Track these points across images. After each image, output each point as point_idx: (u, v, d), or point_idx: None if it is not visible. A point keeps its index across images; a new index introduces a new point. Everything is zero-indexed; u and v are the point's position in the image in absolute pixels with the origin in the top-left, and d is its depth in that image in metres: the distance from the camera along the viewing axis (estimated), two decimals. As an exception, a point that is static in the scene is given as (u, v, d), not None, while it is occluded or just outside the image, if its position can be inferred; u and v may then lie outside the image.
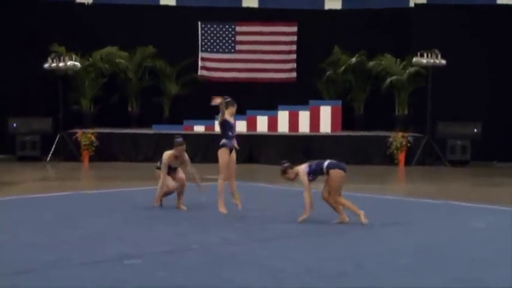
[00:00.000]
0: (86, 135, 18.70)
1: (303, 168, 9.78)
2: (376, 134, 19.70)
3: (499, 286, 6.56)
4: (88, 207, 11.03)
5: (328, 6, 22.04)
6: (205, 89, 21.37)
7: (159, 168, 10.96)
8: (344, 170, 10.00)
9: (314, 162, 9.91)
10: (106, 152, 18.88)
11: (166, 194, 11.10)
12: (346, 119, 20.63)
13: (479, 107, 19.90)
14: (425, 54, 19.14)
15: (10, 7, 20.65)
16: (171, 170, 10.96)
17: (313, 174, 9.79)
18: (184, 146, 11.01)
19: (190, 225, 9.57)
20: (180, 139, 11.01)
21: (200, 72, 21.81)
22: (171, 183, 10.95)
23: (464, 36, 20.04)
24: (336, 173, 9.85)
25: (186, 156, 11.07)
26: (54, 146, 19.20)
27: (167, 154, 10.92)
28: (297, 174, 9.78)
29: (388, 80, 20.38)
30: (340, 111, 20.37)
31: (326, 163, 9.83)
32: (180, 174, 11.10)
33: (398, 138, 18.84)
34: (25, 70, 20.38)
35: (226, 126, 10.57)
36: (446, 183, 15.53)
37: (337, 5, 22.03)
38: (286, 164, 9.87)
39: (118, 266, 7.12)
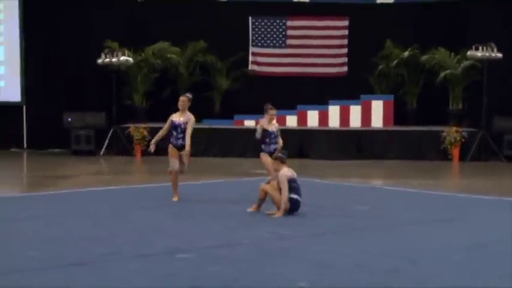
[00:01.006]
0: (138, 130, 18.94)
1: (286, 174, 9.75)
2: (430, 129, 19.48)
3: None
4: (140, 201, 11.17)
5: (380, -1, 21.89)
6: (255, 83, 21.45)
7: None
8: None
9: (295, 185, 9.80)
10: (158, 146, 19.03)
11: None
12: (398, 113, 20.46)
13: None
14: (480, 48, 18.83)
15: (64, 3, 21.07)
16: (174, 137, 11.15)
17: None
18: (185, 98, 11.25)
19: (241, 220, 9.61)
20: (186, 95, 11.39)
21: (251, 66, 21.85)
22: (174, 161, 11.11)
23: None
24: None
25: (190, 114, 11.29)
26: (107, 140, 19.53)
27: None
28: (278, 171, 9.80)
29: (442, 74, 20.12)
30: (392, 105, 20.23)
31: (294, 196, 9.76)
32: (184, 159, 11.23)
33: (452, 133, 18.61)
34: (79, 65, 20.81)
35: (264, 133, 11.07)
36: (502, 179, 15.26)
37: (390, -1, 21.85)
38: (281, 155, 10.07)
39: (170, 259, 7.19)
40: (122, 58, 19.41)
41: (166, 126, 11.27)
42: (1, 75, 21.16)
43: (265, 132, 11.01)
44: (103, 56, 19.41)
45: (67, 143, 19.93)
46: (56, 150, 20.71)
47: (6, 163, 18.13)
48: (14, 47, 20.89)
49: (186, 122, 11.12)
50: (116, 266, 6.93)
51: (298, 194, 9.78)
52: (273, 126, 11.10)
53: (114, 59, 19.33)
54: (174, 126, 11.15)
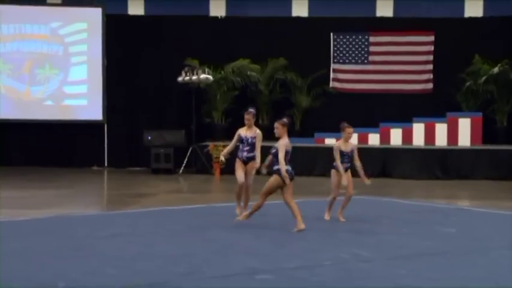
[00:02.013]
0: (217, 148, 19.09)
1: (287, 145, 10.27)
2: (521, 148, 18.97)
3: None
4: (219, 220, 11.22)
5: (468, 13, 21.48)
6: (337, 101, 21.36)
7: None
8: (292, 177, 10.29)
9: (289, 158, 10.35)
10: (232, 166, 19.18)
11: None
12: (487, 131, 20.00)
13: None
14: None
15: (146, 22, 21.61)
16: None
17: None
18: (250, 115, 11.50)
19: (322, 240, 9.55)
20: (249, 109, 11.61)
21: (332, 84, 21.78)
22: (240, 174, 11.34)
23: None
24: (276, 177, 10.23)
25: (257, 129, 11.64)
26: (186, 159, 19.78)
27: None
28: (281, 137, 10.31)
29: (536, 91, 19.60)
30: (480, 123, 19.78)
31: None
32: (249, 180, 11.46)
33: (546, 153, 18.05)
34: (160, 84, 21.29)
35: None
36: None
37: (479, 12, 21.44)
38: (285, 120, 10.46)
39: (249, 280, 7.16)
40: (202, 76, 19.67)
41: (234, 140, 11.57)
42: (84, 94, 21.73)
43: (339, 151, 11.07)
44: (183, 74, 19.74)
45: (147, 161, 20.31)
46: (136, 168, 21.11)
47: (88, 181, 18.64)
48: (97, 66, 21.45)
49: (255, 137, 11.46)
50: (195, 285, 6.95)
51: (291, 166, 10.34)
52: (348, 146, 11.12)
53: (194, 77, 19.62)
54: (241, 140, 11.53)
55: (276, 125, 10.46)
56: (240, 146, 11.53)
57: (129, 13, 22.36)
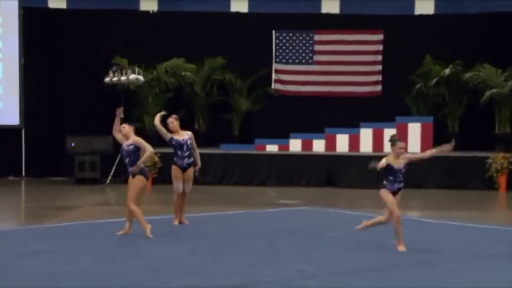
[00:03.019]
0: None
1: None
2: (473, 155, 19.41)
3: None
4: (153, 233, 11.20)
5: (418, 11, 21.87)
6: (279, 104, 21.50)
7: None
8: (147, 177, 11.00)
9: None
10: (170, 174, 19.09)
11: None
12: (438, 137, 20.29)
13: None
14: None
15: (69, 16, 21.37)
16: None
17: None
18: (173, 119, 12.00)
19: (263, 255, 9.61)
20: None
21: (274, 85, 21.90)
22: (179, 183, 11.92)
23: None
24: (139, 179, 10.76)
25: (186, 131, 12.15)
26: (114, 168, 19.63)
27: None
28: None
29: (488, 94, 20.05)
30: (431, 128, 20.17)
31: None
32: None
33: (498, 160, 18.57)
34: (85, 85, 21.01)
35: (388, 168, 10.58)
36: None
37: (430, 10, 21.83)
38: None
39: (184, 299, 7.22)
40: (132, 76, 19.44)
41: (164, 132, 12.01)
42: (-1, 96, 21.36)
43: (388, 167, 10.21)
44: (111, 74, 19.48)
45: (70, 171, 20.05)
46: (58, 178, 20.82)
47: (3, 192, 18.26)
48: (13, 65, 21.08)
49: (191, 138, 11.94)
50: (124, 306, 6.96)
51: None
52: (401, 163, 10.23)
53: (123, 78, 19.36)
54: (180, 145, 11.82)
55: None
56: (179, 153, 11.78)
57: (49, 6, 22.01)
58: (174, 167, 11.89)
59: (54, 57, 21.41)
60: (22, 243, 10.55)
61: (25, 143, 21.44)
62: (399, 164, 10.23)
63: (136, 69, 19.73)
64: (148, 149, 10.96)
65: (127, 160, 11.08)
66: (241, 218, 13.52)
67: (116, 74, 19.45)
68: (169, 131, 11.96)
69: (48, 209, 14.99)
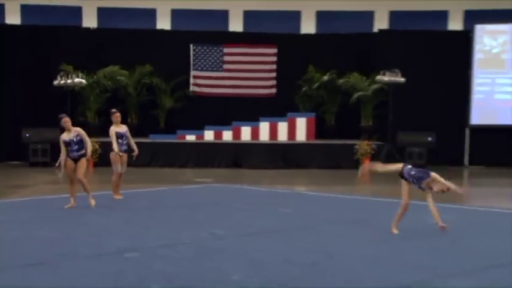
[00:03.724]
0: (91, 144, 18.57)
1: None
2: (345, 142, 19.72)
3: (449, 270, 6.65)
4: (95, 206, 11.01)
5: (303, 31, 22.17)
6: (196, 103, 21.43)
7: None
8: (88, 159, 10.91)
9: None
10: (108, 159, 18.75)
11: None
12: (319, 129, 20.73)
13: (433, 119, 20.08)
14: (387, 73, 19.30)
15: (24, 31, 20.69)
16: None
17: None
18: (118, 113, 11.90)
19: (182, 223, 9.59)
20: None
21: (192, 88, 21.79)
22: (119, 166, 11.79)
23: (420, 57, 20.26)
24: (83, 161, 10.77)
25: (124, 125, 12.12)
26: (62, 154, 19.07)
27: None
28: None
29: (355, 95, 20.51)
30: (314, 122, 20.46)
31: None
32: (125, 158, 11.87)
33: (363, 146, 18.94)
34: (37, 87, 20.36)
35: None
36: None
37: (312, 30, 22.15)
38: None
39: (119, 258, 7.12)
40: (76, 80, 19.09)
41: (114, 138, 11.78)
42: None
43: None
44: (59, 78, 19.05)
45: (25, 156, 19.45)
46: (15, 162, 20.15)
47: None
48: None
49: (127, 130, 11.92)
50: (71, 264, 6.83)
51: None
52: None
53: (69, 81, 18.98)
54: (121, 136, 11.74)
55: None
56: (120, 141, 11.71)
57: (6, 22, 21.28)
58: (113, 153, 11.71)
59: (11, 65, 20.59)
60: (-14, 215, 10.21)
61: (-13, 133, 20.64)
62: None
63: (80, 74, 19.35)
64: (88, 138, 10.96)
65: (75, 147, 10.74)
66: (166, 193, 13.43)
67: (63, 78, 19.02)
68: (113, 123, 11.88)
69: (7, 187, 14.50)
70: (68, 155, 10.83)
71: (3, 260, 6.99)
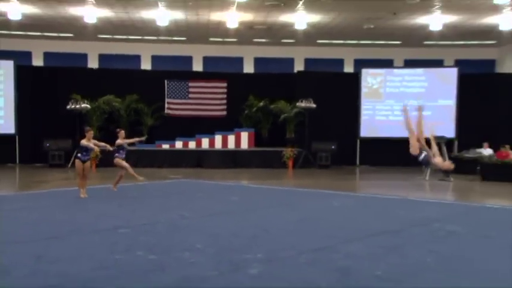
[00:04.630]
0: (93, 151, 18.05)
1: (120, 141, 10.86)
2: (276, 149, 19.68)
3: (347, 238, 6.78)
4: (96, 196, 10.73)
5: (245, 70, 22.22)
6: (170, 121, 21.11)
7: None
8: (82, 161, 10.39)
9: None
10: (106, 162, 18.36)
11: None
12: (257, 140, 20.75)
13: (335, 132, 20.43)
14: (304, 101, 19.53)
15: (47, 70, 20.05)
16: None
17: None
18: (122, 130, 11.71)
19: (160, 207, 9.48)
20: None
21: (166, 111, 21.41)
22: (125, 164, 11.50)
23: (326, 90, 20.59)
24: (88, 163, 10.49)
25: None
26: (73, 158, 18.49)
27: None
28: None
29: (282, 116, 20.61)
30: (253, 135, 20.44)
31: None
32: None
33: (288, 152, 19.07)
34: (55, 109, 19.69)
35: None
36: (318, 179, 15.82)
37: (251, 70, 22.25)
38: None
39: (114, 233, 7.00)
40: (83, 105, 18.64)
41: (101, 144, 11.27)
42: (1, 116, 19.56)
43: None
44: (70, 103, 18.55)
45: (46, 160, 18.77)
46: (39, 164, 19.41)
47: (5, 173, 16.80)
48: (10, 98, 19.46)
49: (125, 143, 11.62)
50: (78, 238, 6.66)
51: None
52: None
53: (77, 106, 18.54)
54: (122, 147, 11.50)
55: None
56: (121, 152, 11.42)
57: (33, 64, 20.56)
58: (117, 159, 11.43)
59: (36, 94, 19.85)
60: (16, 202, 9.82)
61: (18, 143, 19.79)
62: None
63: (85, 101, 18.87)
64: (97, 148, 10.91)
65: (85, 153, 10.52)
66: (148, 186, 13.23)
67: (73, 104, 18.53)
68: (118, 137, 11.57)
69: (32, 182, 14.00)
70: (78, 157, 10.53)
71: (27, 235, 6.75)
